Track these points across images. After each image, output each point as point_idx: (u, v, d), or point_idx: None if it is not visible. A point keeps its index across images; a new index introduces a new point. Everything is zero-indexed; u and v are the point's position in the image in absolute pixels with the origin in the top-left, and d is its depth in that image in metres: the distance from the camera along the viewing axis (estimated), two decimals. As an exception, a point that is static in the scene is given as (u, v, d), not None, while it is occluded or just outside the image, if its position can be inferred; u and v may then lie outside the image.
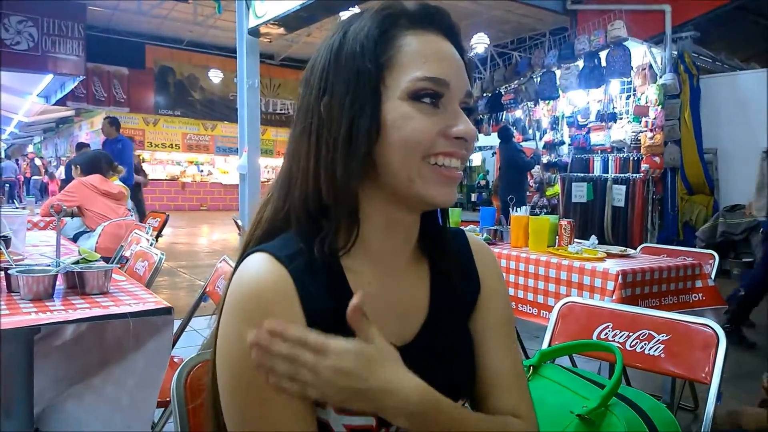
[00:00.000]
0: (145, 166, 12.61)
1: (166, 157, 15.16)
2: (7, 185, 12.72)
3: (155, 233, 3.90)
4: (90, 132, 14.60)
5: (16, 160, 15.80)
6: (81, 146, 7.87)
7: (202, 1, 6.75)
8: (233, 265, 1.81)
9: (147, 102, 13.12)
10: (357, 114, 0.61)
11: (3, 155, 12.66)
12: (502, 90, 7.64)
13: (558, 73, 6.38)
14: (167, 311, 1.43)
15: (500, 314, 0.75)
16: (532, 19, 10.24)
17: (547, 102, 7.08)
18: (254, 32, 4.56)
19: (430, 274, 0.72)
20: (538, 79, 6.73)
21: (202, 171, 15.73)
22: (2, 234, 2.07)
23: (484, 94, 7.95)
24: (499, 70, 8.12)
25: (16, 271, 1.42)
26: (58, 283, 1.48)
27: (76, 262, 1.54)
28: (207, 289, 2.05)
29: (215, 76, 13.00)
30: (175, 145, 14.58)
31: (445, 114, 0.62)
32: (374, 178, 0.64)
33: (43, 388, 1.52)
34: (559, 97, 6.64)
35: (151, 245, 2.52)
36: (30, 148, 17.81)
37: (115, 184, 3.87)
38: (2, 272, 1.51)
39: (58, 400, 1.63)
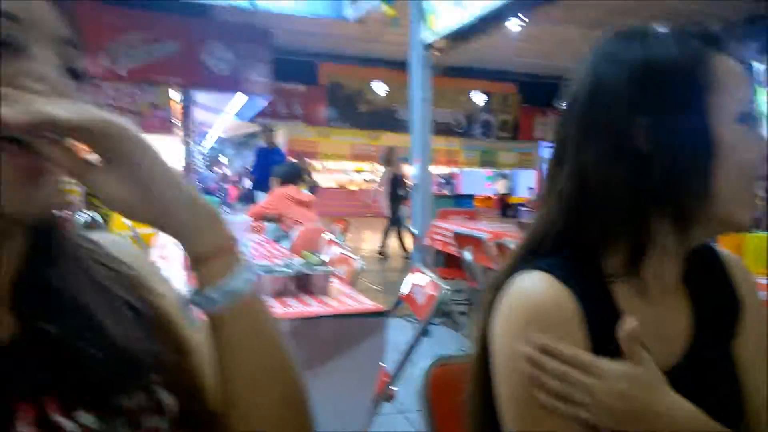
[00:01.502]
0: (316, 175, 13.72)
1: (335, 167, 16.27)
2: (207, 193, 14.60)
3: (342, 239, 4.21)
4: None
5: (212, 170, 18.08)
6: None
7: (372, 19, 7.16)
8: (428, 274, 1.88)
9: (320, 115, 14.19)
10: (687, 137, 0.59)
11: (204, 167, 14.61)
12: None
13: None
14: (383, 314, 1.56)
15: (764, 332, 0.70)
16: None
17: None
18: (427, 46, 4.72)
19: (689, 296, 0.70)
20: None
21: (365, 180, 16.62)
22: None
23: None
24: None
25: (261, 271, 1.65)
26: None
27: (303, 264, 1.75)
28: (402, 295, 2.17)
29: (380, 88, 13.63)
30: (344, 155, 15.55)
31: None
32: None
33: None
34: None
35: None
36: (225, 161, 20.26)
37: (305, 193, 4.27)
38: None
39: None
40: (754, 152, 0.60)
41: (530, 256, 0.69)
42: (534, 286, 0.63)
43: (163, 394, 0.48)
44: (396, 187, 6.99)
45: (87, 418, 0.42)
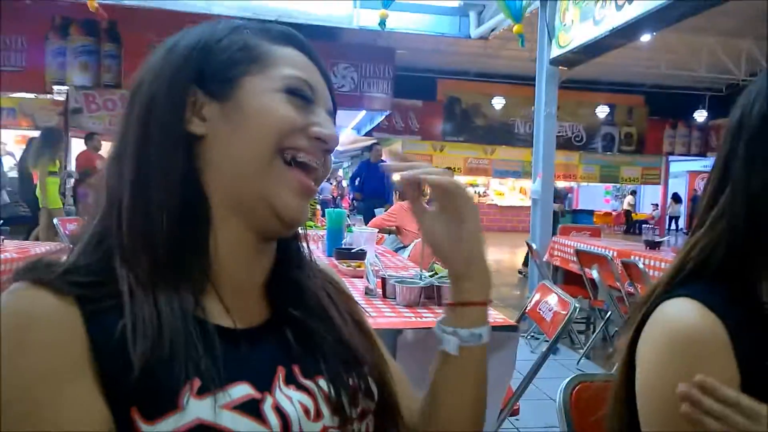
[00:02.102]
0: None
1: (449, 180, 16.36)
2: (323, 203, 15.35)
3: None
4: (388, 158, 16.63)
5: (329, 182, 18.97)
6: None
7: (494, 35, 7.18)
8: (556, 291, 1.89)
9: (436, 130, 14.37)
10: None
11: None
12: None
13: None
14: (513, 329, 1.60)
15: None
16: None
17: None
18: (555, 61, 4.66)
19: None
20: None
21: (477, 193, 16.50)
22: (361, 247, 2.56)
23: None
24: None
25: (394, 281, 1.76)
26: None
27: (434, 276, 1.83)
28: (527, 310, 2.19)
29: (498, 102, 13.53)
30: (458, 169, 15.58)
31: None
32: None
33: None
34: None
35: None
36: (340, 173, 21.14)
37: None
38: (380, 279, 1.89)
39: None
40: None
41: (682, 281, 0.68)
42: (684, 313, 0.63)
43: (372, 383, 0.58)
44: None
45: (323, 383, 0.54)
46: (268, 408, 0.49)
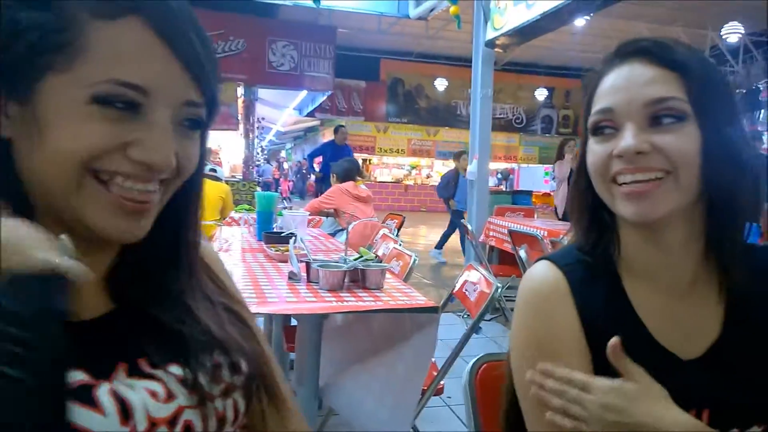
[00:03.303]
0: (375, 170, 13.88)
1: (392, 162, 16.39)
2: (265, 185, 15.07)
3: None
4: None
5: (269, 163, 18.64)
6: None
7: (434, 17, 7.18)
8: (480, 271, 1.91)
9: (379, 111, 14.35)
10: None
11: (263, 160, 15.08)
12: (760, 86, 6.62)
13: None
14: (434, 310, 1.61)
15: None
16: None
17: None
18: (490, 44, 4.70)
19: (724, 293, 0.69)
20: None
21: (421, 174, 16.65)
22: (291, 231, 2.51)
23: (738, 91, 6.97)
24: (756, 63, 7.03)
25: (317, 266, 1.74)
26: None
27: (358, 260, 1.82)
28: (454, 291, 2.22)
29: (440, 84, 13.62)
30: (401, 150, 15.64)
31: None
32: None
33: (324, 365, 1.82)
34: None
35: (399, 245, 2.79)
36: (282, 154, 20.81)
37: (362, 188, 4.36)
38: (304, 264, 1.86)
39: (337, 378, 1.93)
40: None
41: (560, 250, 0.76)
42: (535, 272, 0.72)
43: (240, 358, 0.55)
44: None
45: (175, 369, 0.50)
46: (102, 393, 0.44)
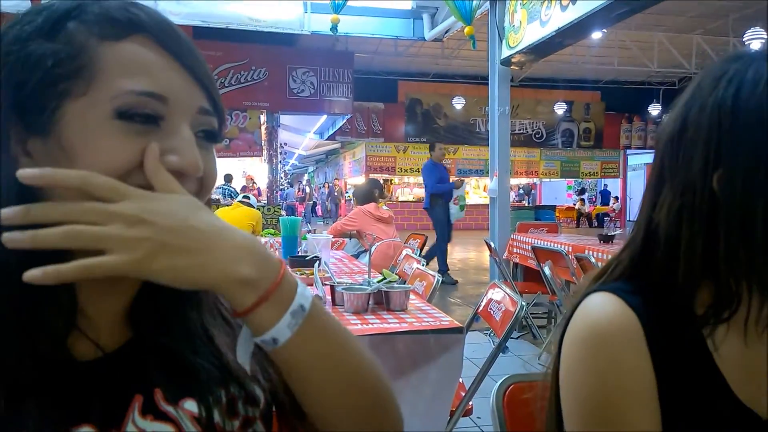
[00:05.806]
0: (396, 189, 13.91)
1: (413, 181, 16.44)
2: (288, 208, 15.23)
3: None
4: (352, 161, 16.68)
5: (293, 187, 18.88)
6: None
7: (449, 37, 7.26)
8: (504, 289, 1.88)
9: (398, 132, 14.45)
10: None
11: (286, 184, 15.29)
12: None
13: None
14: (459, 330, 1.62)
15: None
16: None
17: None
18: (506, 62, 4.73)
19: None
20: None
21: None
22: (315, 255, 2.54)
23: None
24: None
25: (341, 289, 1.76)
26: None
27: (382, 282, 1.84)
28: (479, 311, 2.21)
29: (458, 103, 13.68)
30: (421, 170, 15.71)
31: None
32: None
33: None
34: None
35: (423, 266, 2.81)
36: (305, 177, 21.07)
37: (384, 209, 4.39)
38: (329, 287, 1.88)
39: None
40: None
41: (609, 279, 0.67)
42: (601, 307, 0.62)
43: (257, 388, 0.54)
44: None
45: (189, 405, 0.49)
46: None
